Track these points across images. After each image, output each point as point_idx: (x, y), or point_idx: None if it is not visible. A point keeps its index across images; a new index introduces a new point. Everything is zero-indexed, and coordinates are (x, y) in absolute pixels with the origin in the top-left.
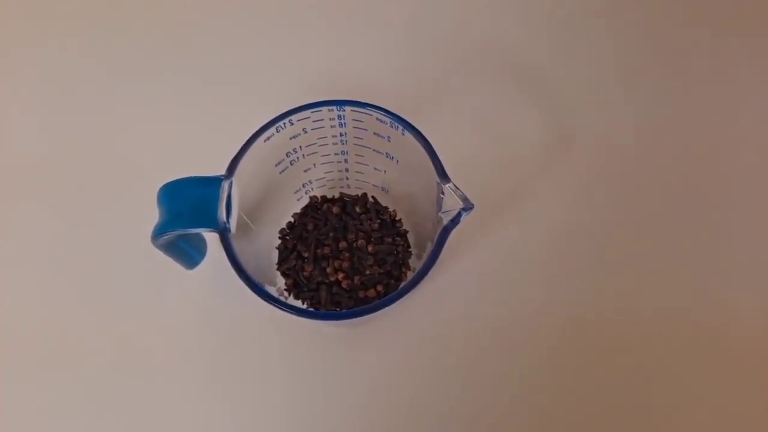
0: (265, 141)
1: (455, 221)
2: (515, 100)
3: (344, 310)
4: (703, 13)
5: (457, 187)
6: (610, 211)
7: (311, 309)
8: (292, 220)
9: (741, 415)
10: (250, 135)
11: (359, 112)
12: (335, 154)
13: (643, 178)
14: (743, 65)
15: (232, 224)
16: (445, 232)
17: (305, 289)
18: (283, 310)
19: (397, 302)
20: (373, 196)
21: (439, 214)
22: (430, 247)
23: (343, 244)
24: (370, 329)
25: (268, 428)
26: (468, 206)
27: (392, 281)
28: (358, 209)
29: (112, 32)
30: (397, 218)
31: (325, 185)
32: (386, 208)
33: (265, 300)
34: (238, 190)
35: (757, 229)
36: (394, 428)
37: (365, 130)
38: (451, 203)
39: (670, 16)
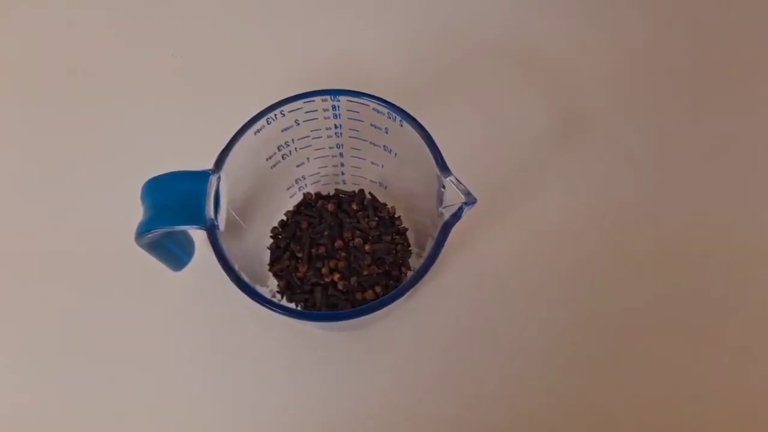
0: (255, 133)
1: (457, 216)
2: (519, 90)
3: (339, 311)
4: None
5: (459, 181)
6: (619, 207)
7: (305, 311)
8: (284, 218)
9: (745, 408)
10: (239, 127)
11: (355, 102)
12: (330, 147)
13: (655, 169)
14: (756, 49)
15: (221, 221)
16: (447, 228)
17: (299, 291)
18: (275, 311)
19: (396, 302)
20: (370, 193)
21: (440, 209)
22: (430, 244)
23: (338, 244)
24: (368, 332)
25: None
26: (470, 200)
27: (391, 282)
28: (354, 206)
29: (95, 20)
30: (395, 215)
31: (320, 181)
32: (384, 204)
33: (257, 301)
34: (226, 185)
35: None
36: None
37: (361, 121)
38: (453, 197)
39: None
